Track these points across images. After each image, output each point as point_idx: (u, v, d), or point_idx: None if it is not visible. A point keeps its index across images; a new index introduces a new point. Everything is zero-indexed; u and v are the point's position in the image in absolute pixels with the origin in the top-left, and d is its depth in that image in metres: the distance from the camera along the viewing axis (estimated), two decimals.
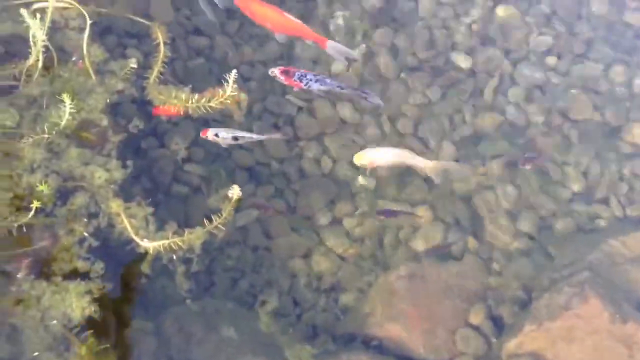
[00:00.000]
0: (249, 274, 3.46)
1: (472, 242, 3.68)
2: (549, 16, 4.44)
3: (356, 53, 3.90)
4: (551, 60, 4.29)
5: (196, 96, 2.73)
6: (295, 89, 3.56)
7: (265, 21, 3.58)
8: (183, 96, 2.73)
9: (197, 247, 2.64)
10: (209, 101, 2.69)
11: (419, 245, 3.62)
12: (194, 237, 2.55)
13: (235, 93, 2.68)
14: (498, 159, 3.92)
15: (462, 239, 3.67)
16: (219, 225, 2.61)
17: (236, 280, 3.43)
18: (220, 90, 2.69)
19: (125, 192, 2.95)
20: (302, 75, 3.45)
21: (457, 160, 3.89)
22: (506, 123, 4.06)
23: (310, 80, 3.45)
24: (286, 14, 3.56)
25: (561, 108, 4.14)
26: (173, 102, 2.72)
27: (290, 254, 3.57)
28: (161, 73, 2.95)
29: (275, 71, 3.44)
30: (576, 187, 3.93)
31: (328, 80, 3.53)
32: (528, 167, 3.79)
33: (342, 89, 3.56)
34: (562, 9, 4.47)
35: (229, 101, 2.68)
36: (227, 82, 2.69)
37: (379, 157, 3.49)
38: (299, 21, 3.57)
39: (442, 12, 4.35)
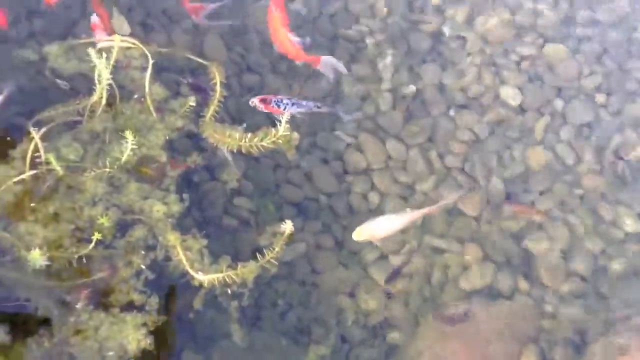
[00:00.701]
0: (296, 309, 3.46)
1: (522, 283, 3.61)
2: (599, 54, 4.41)
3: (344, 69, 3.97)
4: (601, 98, 4.25)
5: (249, 135, 2.81)
6: (276, 114, 3.63)
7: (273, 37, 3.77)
8: (237, 135, 2.81)
9: (249, 282, 2.67)
10: (262, 140, 2.77)
11: (469, 284, 3.58)
12: (247, 271, 2.59)
13: (288, 133, 2.74)
14: (548, 196, 3.87)
15: (512, 278, 3.60)
16: (272, 260, 2.64)
17: (283, 314, 3.44)
18: (273, 129, 2.76)
19: (179, 225, 3.02)
20: (278, 101, 3.58)
21: (508, 197, 3.86)
22: (556, 161, 4.01)
23: (287, 104, 3.58)
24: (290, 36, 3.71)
25: (613, 147, 4.07)
26: (227, 140, 2.81)
27: (337, 290, 3.57)
28: (216, 111, 3.05)
29: (255, 100, 3.58)
30: (630, 227, 3.83)
31: (304, 102, 3.66)
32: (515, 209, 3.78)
33: (319, 107, 3.72)
34: (613, 47, 4.44)
35: (280, 141, 2.75)
36: (280, 121, 2.76)
37: (378, 229, 3.32)
38: (295, 45, 3.71)
39: (490, 49, 4.37)
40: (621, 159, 4.05)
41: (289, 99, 3.63)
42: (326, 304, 3.51)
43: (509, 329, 3.35)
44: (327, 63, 3.79)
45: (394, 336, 3.44)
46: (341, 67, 3.91)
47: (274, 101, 3.57)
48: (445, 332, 3.31)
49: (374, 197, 3.86)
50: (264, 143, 2.76)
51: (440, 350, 3.26)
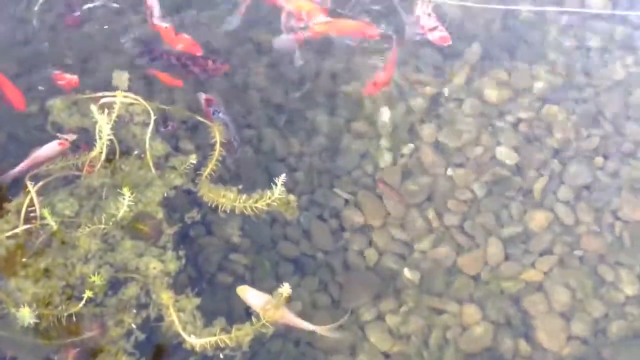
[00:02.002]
0: None
1: (523, 345, 3.53)
2: (595, 116, 4.47)
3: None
4: (599, 160, 4.27)
5: (244, 197, 2.81)
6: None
7: None
8: (231, 196, 2.81)
9: (244, 345, 2.60)
10: (256, 202, 2.77)
11: (468, 345, 3.50)
12: (242, 334, 2.53)
13: (283, 195, 2.74)
14: (548, 257, 3.83)
15: (513, 341, 3.52)
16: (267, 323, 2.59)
17: None
18: (268, 191, 2.77)
19: (173, 282, 2.98)
20: (216, 111, 3.81)
21: (506, 259, 3.83)
22: (555, 222, 4.00)
23: (218, 114, 3.81)
24: None
25: (611, 208, 4.07)
26: (221, 200, 2.81)
27: (333, 350, 3.48)
28: (213, 170, 3.06)
29: (202, 96, 3.85)
30: (630, 290, 3.78)
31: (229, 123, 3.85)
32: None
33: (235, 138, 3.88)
34: (609, 109, 4.50)
35: (276, 203, 2.75)
36: (276, 184, 2.75)
37: (250, 298, 3.16)
38: None
39: (487, 110, 4.42)
40: (619, 220, 4.04)
41: (223, 113, 3.83)
42: None
43: None
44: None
45: None
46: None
47: (213, 107, 3.79)
48: None
49: (371, 255, 3.82)
50: (258, 205, 2.75)
51: None
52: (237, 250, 3.64)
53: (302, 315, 3.53)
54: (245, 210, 2.82)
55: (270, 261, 3.69)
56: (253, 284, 3.57)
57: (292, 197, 2.97)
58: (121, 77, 3.79)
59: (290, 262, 3.73)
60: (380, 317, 3.62)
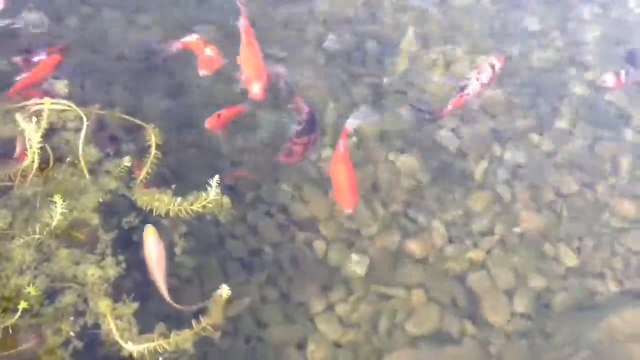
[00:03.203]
0: None
1: (468, 324, 3.62)
2: (533, 96, 4.60)
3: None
4: (537, 138, 4.40)
5: (178, 199, 2.80)
6: None
7: None
8: (165, 199, 2.80)
9: (187, 349, 2.60)
10: (192, 204, 2.76)
11: (416, 328, 3.57)
12: (181, 339, 2.53)
13: (218, 197, 2.74)
14: (489, 238, 3.94)
15: (459, 320, 3.61)
16: (207, 326, 2.60)
17: None
18: (203, 193, 2.76)
19: (117, 288, 2.95)
20: None
21: (450, 241, 3.92)
22: (495, 202, 4.11)
23: None
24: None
25: (550, 185, 4.20)
26: (155, 204, 2.79)
27: (284, 343, 3.51)
28: (148, 173, 3.04)
29: None
30: (570, 262, 3.92)
31: None
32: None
33: None
34: (545, 90, 4.63)
35: (211, 205, 2.75)
36: (210, 186, 2.74)
37: None
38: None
39: (428, 93, 4.50)
40: (558, 196, 4.17)
41: None
42: (273, 359, 3.45)
43: None
44: None
45: None
46: None
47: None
48: None
49: (319, 246, 3.86)
50: (193, 207, 2.75)
51: None
52: (182, 252, 3.63)
53: (251, 310, 3.56)
54: (180, 213, 2.80)
55: (217, 260, 3.70)
56: (201, 284, 3.57)
57: (226, 200, 2.94)
58: (58, 84, 3.75)
59: (237, 260, 3.74)
60: (330, 307, 3.66)
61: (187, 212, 2.79)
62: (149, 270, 3.00)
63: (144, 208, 2.87)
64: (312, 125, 3.99)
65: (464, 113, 4.43)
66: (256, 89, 3.79)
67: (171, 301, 2.95)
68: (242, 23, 3.98)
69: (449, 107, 4.12)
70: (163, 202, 2.77)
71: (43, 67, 3.82)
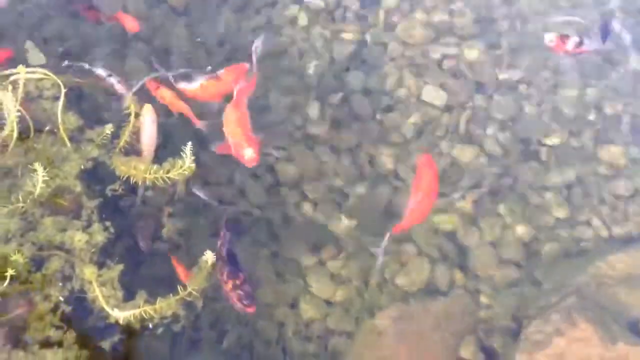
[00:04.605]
0: (235, 327, 3.43)
1: (459, 276, 3.66)
2: (516, 49, 4.55)
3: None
4: (523, 89, 4.38)
5: (154, 167, 2.79)
6: None
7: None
8: (142, 167, 2.78)
9: (178, 315, 2.63)
10: (168, 173, 2.75)
11: (406, 282, 3.61)
12: (166, 306, 2.55)
13: (193, 165, 2.73)
14: (477, 190, 3.95)
15: (449, 272, 3.65)
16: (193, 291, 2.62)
17: (223, 334, 3.41)
18: (179, 161, 2.75)
19: (107, 254, 2.97)
20: None
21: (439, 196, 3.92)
22: (483, 154, 4.11)
23: None
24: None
25: (536, 135, 4.19)
26: (132, 173, 2.78)
27: (276, 302, 3.55)
28: (127, 142, 3.02)
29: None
30: (558, 212, 3.94)
31: None
32: None
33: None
34: (531, 40, 4.59)
35: (186, 172, 2.74)
36: (185, 154, 2.73)
37: None
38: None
39: (410, 51, 4.46)
40: (544, 146, 4.17)
41: None
42: (265, 319, 3.49)
43: (446, 323, 3.39)
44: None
45: (335, 342, 3.44)
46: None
47: None
48: (383, 333, 3.33)
49: (307, 205, 3.87)
50: (170, 175, 2.74)
51: (381, 352, 3.28)
52: (171, 216, 3.64)
53: (244, 269, 3.58)
54: (157, 182, 2.79)
55: (206, 223, 3.71)
56: (189, 247, 3.59)
57: (192, 167, 2.86)
58: (35, 54, 3.69)
59: (226, 222, 3.75)
60: (321, 265, 3.70)
61: (164, 180, 2.77)
62: (141, 144, 3.13)
63: (121, 176, 2.86)
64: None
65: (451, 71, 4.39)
66: (250, 154, 3.34)
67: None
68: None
69: None
70: (139, 170, 2.75)
71: None
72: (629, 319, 3.26)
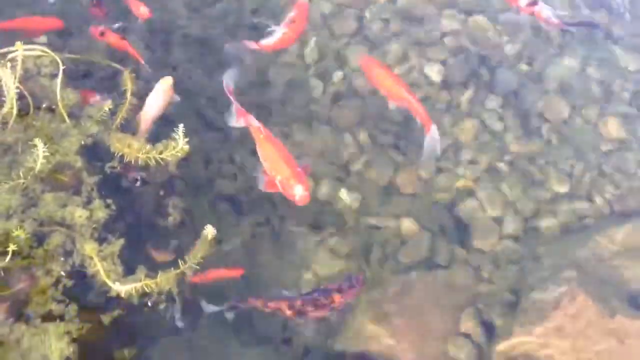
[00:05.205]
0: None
1: (459, 250, 3.68)
2: (518, 22, 4.51)
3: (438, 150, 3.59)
4: (524, 64, 4.35)
5: (148, 147, 2.78)
6: None
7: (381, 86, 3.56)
8: (136, 146, 2.78)
9: (172, 289, 2.65)
10: (161, 153, 2.74)
11: (407, 257, 3.62)
12: (165, 279, 2.57)
13: (187, 146, 2.72)
14: (478, 165, 3.95)
15: (449, 247, 3.67)
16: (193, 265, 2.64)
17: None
18: (172, 142, 2.74)
19: (109, 231, 2.99)
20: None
21: (439, 172, 3.92)
22: (484, 130, 4.09)
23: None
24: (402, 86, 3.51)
25: (538, 110, 4.17)
26: (126, 151, 2.77)
27: (278, 277, 3.58)
28: (124, 119, 3.02)
29: None
30: (559, 187, 3.94)
31: None
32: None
33: None
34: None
35: (179, 154, 2.73)
36: (178, 135, 2.71)
37: None
38: (413, 98, 3.46)
39: (413, 28, 4.42)
40: (547, 122, 4.15)
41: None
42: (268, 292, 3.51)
43: (446, 297, 3.42)
44: (433, 138, 3.41)
45: (336, 318, 3.46)
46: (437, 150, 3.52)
47: None
48: (384, 307, 3.36)
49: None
50: (163, 156, 2.73)
51: (381, 325, 3.30)
52: (173, 194, 3.66)
53: (243, 248, 3.61)
54: (149, 161, 2.78)
55: (208, 201, 3.72)
56: (193, 225, 3.61)
57: (186, 148, 2.82)
58: None
59: (228, 200, 3.77)
60: (322, 242, 3.71)
61: (156, 161, 2.77)
62: (144, 110, 3.08)
63: (115, 153, 2.86)
64: None
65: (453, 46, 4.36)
66: (301, 192, 2.98)
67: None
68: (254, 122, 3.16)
69: None
70: (133, 148, 2.75)
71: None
72: (628, 292, 3.27)
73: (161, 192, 3.57)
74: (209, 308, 3.19)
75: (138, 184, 3.29)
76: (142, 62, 3.60)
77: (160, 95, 3.15)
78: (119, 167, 3.01)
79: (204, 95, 4.04)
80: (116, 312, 2.72)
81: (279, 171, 3.00)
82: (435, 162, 3.92)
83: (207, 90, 4.04)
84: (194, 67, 4.14)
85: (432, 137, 3.39)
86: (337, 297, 3.03)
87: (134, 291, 2.48)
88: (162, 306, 2.89)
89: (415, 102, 3.43)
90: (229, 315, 3.22)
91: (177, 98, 3.24)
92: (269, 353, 3.30)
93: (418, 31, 4.43)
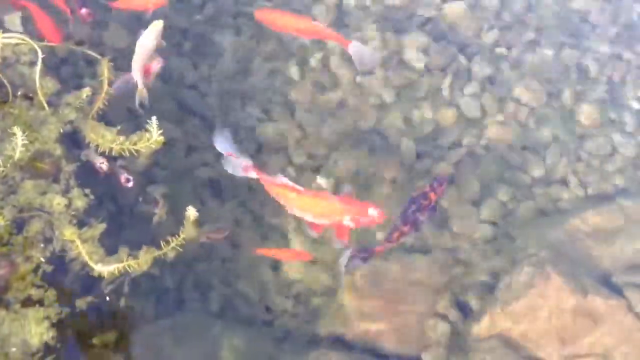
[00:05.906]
0: (218, 287, 3.51)
1: (437, 234, 3.74)
2: (498, 10, 4.55)
3: (378, 54, 3.95)
4: (502, 50, 4.40)
5: (121, 138, 2.78)
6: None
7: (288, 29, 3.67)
8: (109, 137, 2.78)
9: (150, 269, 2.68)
10: (135, 144, 2.74)
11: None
12: (148, 259, 2.60)
13: (162, 138, 2.73)
14: (457, 150, 4.00)
15: (427, 231, 3.73)
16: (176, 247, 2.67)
17: (206, 294, 3.48)
18: (146, 134, 2.74)
19: (90, 218, 3.01)
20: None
21: (418, 157, 3.98)
22: (463, 116, 4.14)
23: None
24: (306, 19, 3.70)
25: (515, 96, 4.23)
26: (100, 142, 2.78)
27: (259, 263, 3.63)
28: (101, 109, 3.02)
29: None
30: (536, 171, 4.00)
31: None
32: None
33: None
34: (511, 1, 4.58)
35: (153, 146, 2.73)
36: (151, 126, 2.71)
37: None
38: (321, 25, 3.67)
39: (392, 13, 4.45)
40: (524, 106, 4.21)
41: None
42: (248, 279, 3.57)
43: (424, 280, 3.48)
44: (358, 50, 3.54)
45: (317, 301, 3.52)
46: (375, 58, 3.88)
47: None
48: (362, 290, 3.42)
49: (289, 170, 3.91)
50: (137, 147, 2.74)
51: (359, 308, 3.37)
52: (155, 182, 3.68)
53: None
54: (123, 152, 2.78)
55: (191, 187, 3.75)
56: (175, 212, 3.63)
57: (160, 139, 2.82)
58: (13, 19, 3.66)
59: (210, 186, 3.80)
60: (303, 227, 3.75)
61: (130, 152, 2.78)
62: (135, 56, 3.10)
63: (90, 143, 2.87)
64: None
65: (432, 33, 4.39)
66: (375, 212, 2.93)
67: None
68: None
69: None
70: (107, 139, 2.75)
71: None
72: (601, 272, 3.36)
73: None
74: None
75: (130, 184, 3.29)
76: (69, 13, 3.48)
77: (152, 35, 3.12)
78: (106, 168, 3.03)
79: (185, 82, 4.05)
80: (96, 297, 2.74)
81: (339, 213, 2.97)
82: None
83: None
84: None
85: (356, 51, 3.49)
86: (432, 196, 3.33)
87: (116, 271, 2.51)
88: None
89: (324, 29, 3.61)
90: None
91: (164, 44, 3.23)
92: (252, 335, 3.34)
93: (397, 17, 4.46)
